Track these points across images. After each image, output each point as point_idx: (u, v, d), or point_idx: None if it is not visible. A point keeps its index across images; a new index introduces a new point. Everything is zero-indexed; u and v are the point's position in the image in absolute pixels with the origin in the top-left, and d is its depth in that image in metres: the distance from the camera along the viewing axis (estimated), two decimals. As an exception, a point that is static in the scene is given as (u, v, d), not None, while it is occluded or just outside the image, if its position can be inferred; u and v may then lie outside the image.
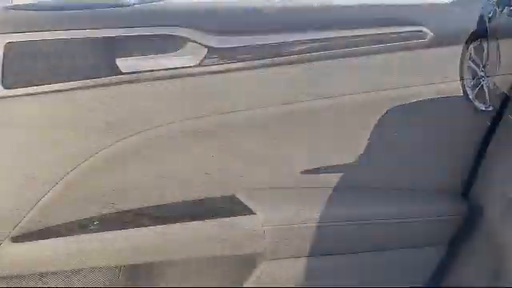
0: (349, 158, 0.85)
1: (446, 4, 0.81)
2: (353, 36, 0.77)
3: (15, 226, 0.77)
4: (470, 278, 0.81)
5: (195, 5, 0.79)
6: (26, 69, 0.72)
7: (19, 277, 0.80)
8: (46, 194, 0.77)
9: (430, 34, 0.77)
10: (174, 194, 0.83)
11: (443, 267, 0.85)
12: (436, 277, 0.86)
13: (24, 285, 0.81)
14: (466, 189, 0.85)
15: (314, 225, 0.80)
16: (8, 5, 0.78)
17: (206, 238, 0.80)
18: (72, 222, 0.79)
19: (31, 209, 0.77)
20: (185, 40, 0.74)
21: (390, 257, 0.85)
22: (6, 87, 0.71)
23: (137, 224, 0.80)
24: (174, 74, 0.76)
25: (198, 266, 0.88)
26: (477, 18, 0.81)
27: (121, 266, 0.82)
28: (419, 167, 0.86)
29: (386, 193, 0.85)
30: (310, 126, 0.83)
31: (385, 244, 0.85)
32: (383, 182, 0.87)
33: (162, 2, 0.79)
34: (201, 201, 0.83)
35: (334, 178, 0.86)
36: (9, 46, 0.70)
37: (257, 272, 0.81)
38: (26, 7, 0.77)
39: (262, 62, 0.77)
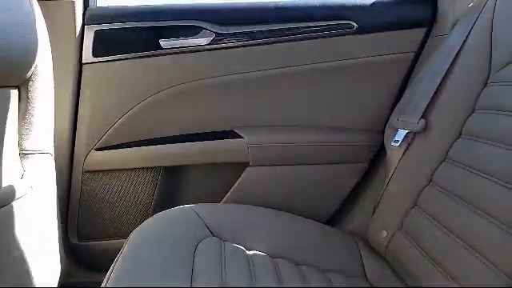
0: (308, 106, 1.04)
1: (367, 4, 0.98)
2: (306, 26, 0.97)
3: (98, 141, 1.03)
4: (377, 185, 1.04)
5: (207, 5, 0.96)
6: (107, 45, 0.96)
7: (101, 171, 1.06)
8: (116, 121, 1.01)
9: (356, 25, 0.97)
10: (192, 128, 1.05)
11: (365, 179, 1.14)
12: (360, 183, 1.10)
13: (102, 177, 1.07)
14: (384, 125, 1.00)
15: (281, 145, 1.04)
16: (94, 6, 1.00)
17: (212, 151, 1.05)
18: (132, 141, 1.05)
19: (108, 130, 1.02)
20: (200, 28, 0.94)
21: (332, 168, 1.06)
22: (95, 56, 0.97)
23: (170, 142, 1.05)
24: (193, 50, 0.95)
25: (207, 168, 1.11)
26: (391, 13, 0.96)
27: (162, 167, 1.08)
28: (351, 113, 1.06)
29: (329, 128, 1.06)
30: (282, 84, 1.01)
31: (330, 159, 1.05)
32: (327, 121, 1.06)
33: (186, 3, 0.96)
34: (210, 132, 1.06)
35: (294, 117, 1.06)
36: (97, 32, 0.97)
37: (244, 174, 1.06)
38: (105, 8, 0.98)
39: (250, 42, 0.96)
